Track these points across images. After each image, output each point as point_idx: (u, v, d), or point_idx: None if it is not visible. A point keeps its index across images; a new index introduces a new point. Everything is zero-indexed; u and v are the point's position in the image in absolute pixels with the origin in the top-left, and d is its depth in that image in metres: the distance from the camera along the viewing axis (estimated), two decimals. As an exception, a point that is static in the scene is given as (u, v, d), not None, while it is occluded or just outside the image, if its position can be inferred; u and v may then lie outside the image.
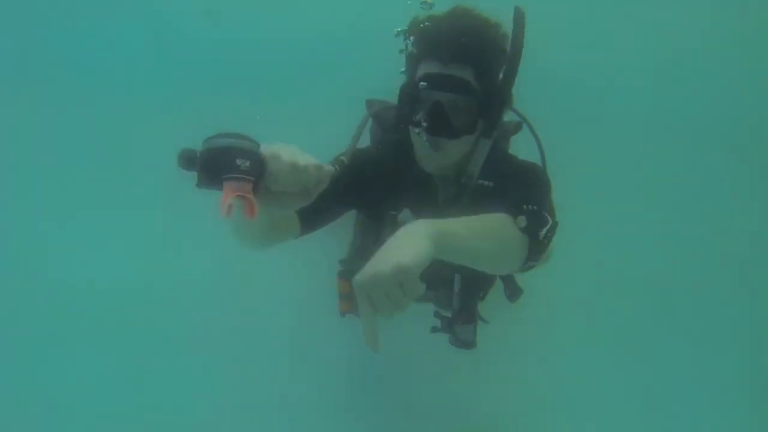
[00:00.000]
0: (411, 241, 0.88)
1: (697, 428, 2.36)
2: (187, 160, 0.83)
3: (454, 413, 2.27)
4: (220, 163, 0.83)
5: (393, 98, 1.45)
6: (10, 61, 2.79)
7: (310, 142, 1.01)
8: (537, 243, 1.10)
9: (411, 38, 1.30)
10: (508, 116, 1.42)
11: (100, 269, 2.49)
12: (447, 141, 1.24)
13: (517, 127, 1.53)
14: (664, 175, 2.93)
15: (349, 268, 1.79)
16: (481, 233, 1.02)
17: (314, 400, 2.26)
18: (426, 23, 1.27)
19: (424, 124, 1.22)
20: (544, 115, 1.57)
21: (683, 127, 2.91)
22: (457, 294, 1.57)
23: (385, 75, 1.49)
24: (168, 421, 2.15)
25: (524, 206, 1.11)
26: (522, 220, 1.09)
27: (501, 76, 1.22)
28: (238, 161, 0.84)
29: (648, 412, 2.41)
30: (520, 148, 1.57)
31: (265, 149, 0.90)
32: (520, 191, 1.21)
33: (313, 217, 1.26)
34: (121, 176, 2.62)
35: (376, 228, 1.52)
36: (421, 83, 1.21)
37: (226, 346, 2.32)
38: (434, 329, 1.65)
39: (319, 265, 2.05)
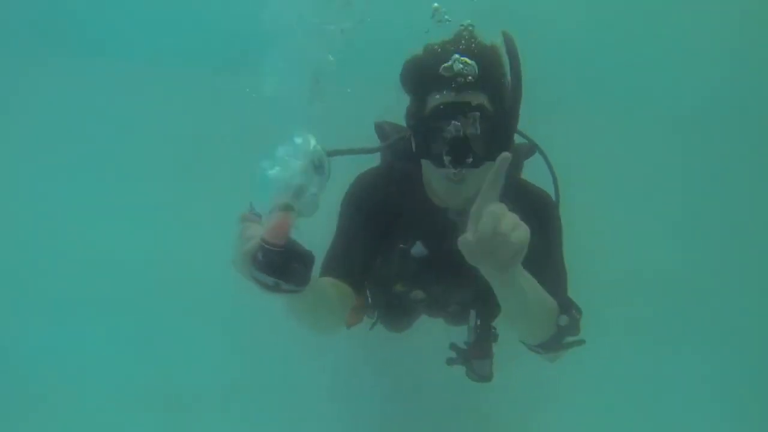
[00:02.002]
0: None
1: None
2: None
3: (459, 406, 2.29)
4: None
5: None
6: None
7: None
8: (557, 341, 1.17)
9: (408, 72, 1.24)
10: (518, 139, 1.39)
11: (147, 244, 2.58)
12: (469, 171, 1.19)
13: (530, 151, 1.48)
14: (675, 170, 3.03)
15: None
16: (536, 301, 1.10)
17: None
18: (427, 52, 1.21)
19: (447, 157, 1.17)
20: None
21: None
22: (473, 329, 1.56)
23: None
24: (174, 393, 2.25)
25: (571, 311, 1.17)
26: (564, 319, 1.15)
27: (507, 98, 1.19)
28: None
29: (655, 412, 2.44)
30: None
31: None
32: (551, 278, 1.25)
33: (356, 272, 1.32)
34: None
35: (383, 257, 1.45)
36: (438, 114, 1.17)
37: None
38: (450, 361, 1.63)
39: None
